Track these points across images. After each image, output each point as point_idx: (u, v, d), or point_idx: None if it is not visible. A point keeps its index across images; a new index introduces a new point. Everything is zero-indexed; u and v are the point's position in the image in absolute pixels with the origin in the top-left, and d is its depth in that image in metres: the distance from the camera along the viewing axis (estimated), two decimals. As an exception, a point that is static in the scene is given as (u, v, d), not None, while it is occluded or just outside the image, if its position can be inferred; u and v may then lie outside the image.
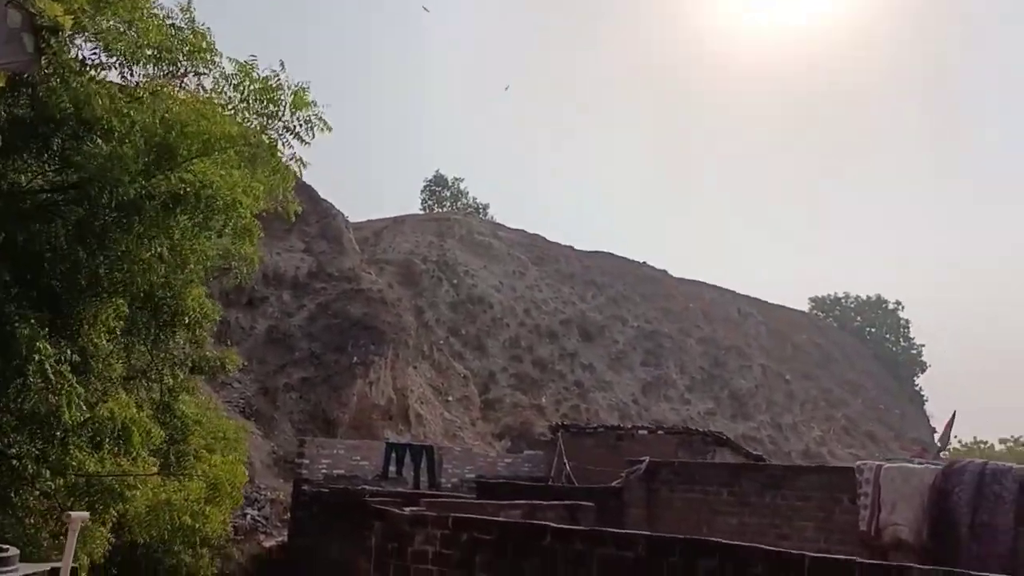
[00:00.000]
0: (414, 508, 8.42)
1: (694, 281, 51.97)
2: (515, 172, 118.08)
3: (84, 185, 7.68)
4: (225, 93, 8.80)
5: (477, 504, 9.18)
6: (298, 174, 9.98)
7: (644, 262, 50.27)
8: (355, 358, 25.12)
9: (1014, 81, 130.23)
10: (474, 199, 56.32)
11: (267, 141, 9.01)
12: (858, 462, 10.86)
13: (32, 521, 8.11)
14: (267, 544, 17.57)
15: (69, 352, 7.86)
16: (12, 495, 7.90)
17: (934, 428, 61.48)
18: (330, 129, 9.10)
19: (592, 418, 32.38)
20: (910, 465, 10.09)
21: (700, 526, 10.88)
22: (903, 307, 69.81)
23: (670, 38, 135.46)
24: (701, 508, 11.19)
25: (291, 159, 9.38)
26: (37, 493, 7.95)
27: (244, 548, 17.45)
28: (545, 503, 9.87)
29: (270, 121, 8.89)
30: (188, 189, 8.10)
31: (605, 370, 38.63)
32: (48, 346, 7.45)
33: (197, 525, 8.55)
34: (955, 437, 33.69)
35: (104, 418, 7.51)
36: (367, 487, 15.23)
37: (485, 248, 42.58)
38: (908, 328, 69.62)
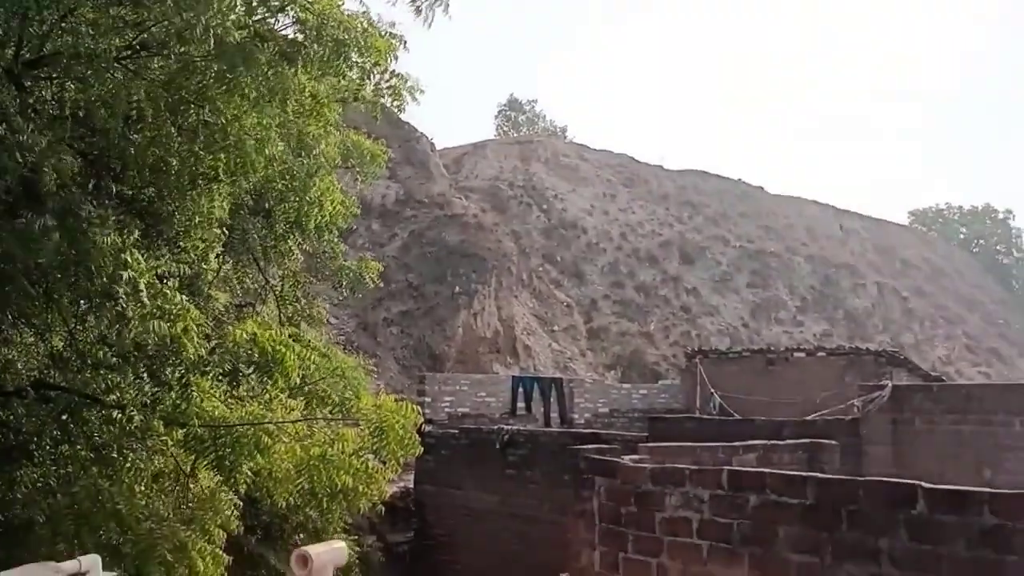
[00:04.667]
0: (634, 457, 6.27)
1: (793, 197, 48.37)
2: (592, 91, 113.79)
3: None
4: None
5: (703, 448, 7.04)
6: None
7: (739, 179, 46.89)
8: (456, 288, 23.16)
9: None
10: (551, 122, 53.44)
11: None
12: None
13: (144, 488, 6.25)
14: (388, 491, 15.90)
15: (173, 265, 5.89)
16: (116, 455, 6.03)
17: (1053, 343, 57.43)
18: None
19: (704, 344, 29.90)
20: None
21: (980, 469, 8.56)
22: (1014, 216, 64.89)
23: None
24: (980, 444, 8.84)
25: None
26: (149, 450, 6.09)
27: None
28: (780, 443, 7.71)
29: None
30: (309, 30, 5.87)
31: (710, 293, 35.98)
32: (141, 258, 5.45)
33: (360, 487, 6.59)
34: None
35: (242, 343, 5.50)
36: (503, 427, 13.26)
37: (572, 171, 39.91)
38: (1021, 238, 64.82)
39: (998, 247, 63.63)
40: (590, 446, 6.21)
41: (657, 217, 39.35)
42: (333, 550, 4.81)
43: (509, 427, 13.37)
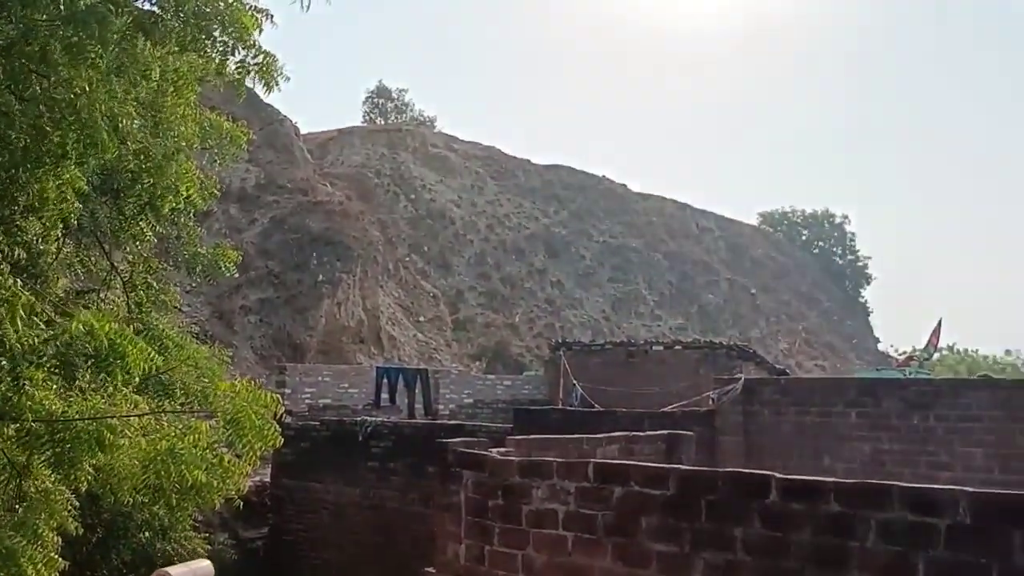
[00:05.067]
0: (502, 450, 6.27)
1: (654, 195, 50.13)
2: (462, 83, 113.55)
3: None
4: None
5: (568, 440, 7.13)
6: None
7: (604, 176, 48.11)
8: (320, 276, 22.53)
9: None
10: (421, 111, 52.92)
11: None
12: None
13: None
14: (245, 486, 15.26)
15: (6, 248, 5.35)
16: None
17: (878, 338, 62.47)
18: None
19: (567, 336, 30.57)
20: None
21: (819, 455, 9.11)
22: (849, 221, 69.87)
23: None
24: (820, 434, 9.40)
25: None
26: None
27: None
28: (641, 434, 7.92)
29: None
30: (167, 1, 5.47)
31: (574, 287, 36.82)
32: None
33: (215, 482, 6.21)
34: (942, 346, 33.15)
35: (78, 335, 5.03)
36: (367, 419, 13.01)
37: (441, 161, 39.70)
38: (854, 241, 69.88)
39: (835, 249, 68.21)
40: (456, 439, 6.14)
41: (524, 210, 39.80)
42: (196, 571, 4.51)
43: (373, 419, 13.14)
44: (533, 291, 34.34)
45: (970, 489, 3.85)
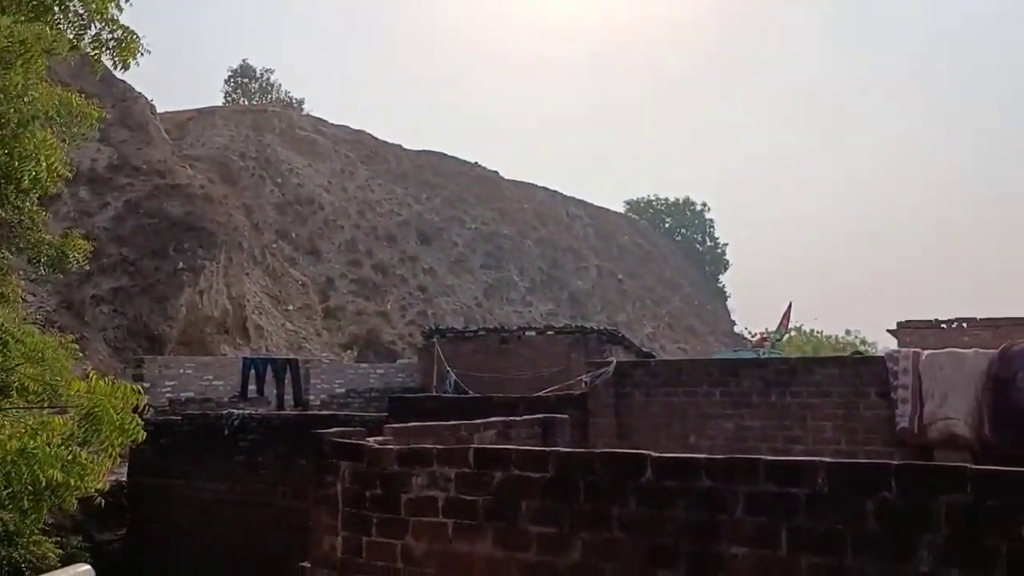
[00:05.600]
0: (380, 439, 6.16)
1: (525, 183, 50.74)
2: (330, 66, 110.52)
3: None
4: None
5: (445, 427, 7.08)
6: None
7: (476, 163, 48.23)
8: (180, 264, 21.44)
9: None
10: (287, 92, 51.24)
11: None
12: (889, 350, 9.83)
13: None
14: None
15: None
16: None
17: (734, 322, 65.85)
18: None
19: (440, 323, 30.52)
20: (960, 351, 9.08)
21: (686, 434, 9.44)
22: (709, 208, 73.11)
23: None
24: (687, 413, 9.73)
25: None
26: None
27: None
28: (517, 419, 7.98)
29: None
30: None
31: (446, 274, 36.76)
32: None
33: (72, 481, 5.74)
34: (792, 327, 35.24)
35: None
36: (233, 411, 12.50)
37: (309, 144, 38.63)
38: (714, 228, 73.18)
39: (696, 236, 71.23)
40: (331, 429, 5.97)
41: (396, 196, 39.35)
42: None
43: (239, 411, 12.64)
44: (405, 278, 34.04)
45: (828, 460, 4.08)
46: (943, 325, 20.60)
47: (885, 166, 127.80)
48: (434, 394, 15.35)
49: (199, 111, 37.58)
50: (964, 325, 20.30)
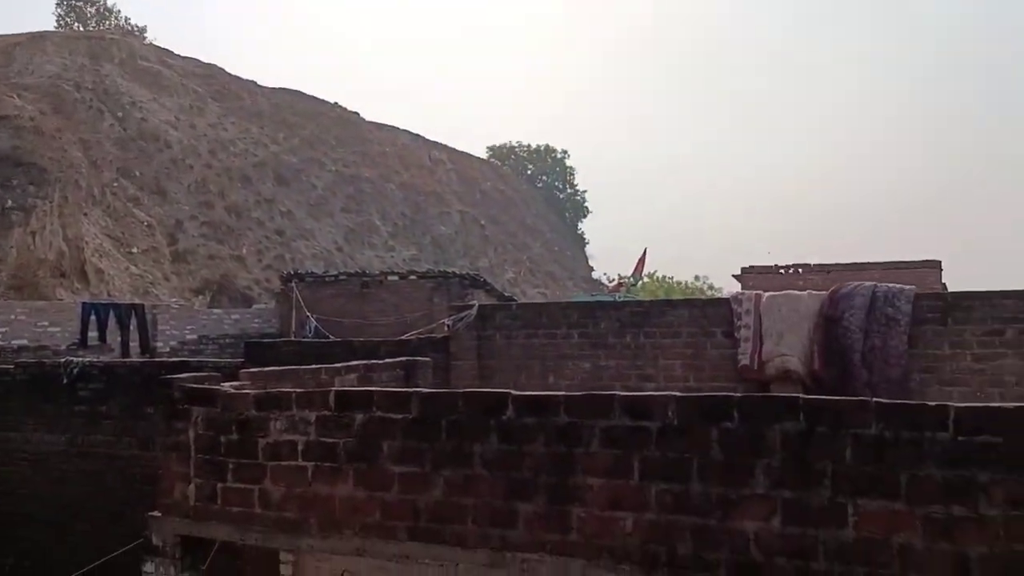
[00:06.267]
0: (236, 384, 5.96)
1: (388, 125, 49.69)
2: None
3: None
4: None
5: (305, 371, 6.91)
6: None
7: (336, 103, 46.71)
8: (9, 202, 19.71)
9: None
10: (127, 19, 47.56)
11: None
12: (735, 292, 10.27)
13: None
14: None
15: None
16: None
17: (592, 267, 67.82)
18: None
19: (299, 267, 29.69)
20: (796, 293, 9.63)
21: (546, 374, 9.65)
22: (568, 156, 74.28)
23: None
24: (547, 354, 9.92)
25: None
26: None
27: None
28: (379, 362, 7.89)
29: None
30: None
31: (305, 217, 35.67)
32: None
33: None
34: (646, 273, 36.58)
35: None
36: (72, 359, 11.74)
37: (153, 77, 36.14)
38: (574, 175, 74.53)
39: (556, 183, 72.34)
40: (183, 375, 5.72)
41: (251, 135, 37.58)
42: None
43: (79, 359, 11.88)
44: (261, 221, 32.79)
45: (677, 394, 4.29)
46: (782, 270, 22.06)
47: (744, 117, 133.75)
48: (293, 339, 14.99)
49: (29, 36, 34.26)
50: (800, 271, 21.81)
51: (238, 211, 32.01)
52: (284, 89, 43.58)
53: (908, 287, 8.87)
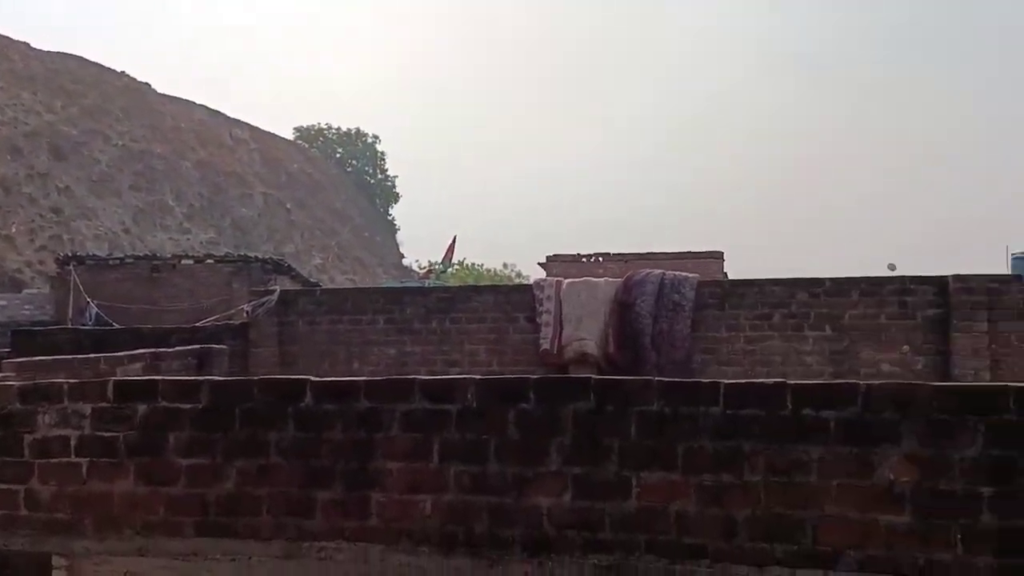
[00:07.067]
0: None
1: (182, 99, 46.61)
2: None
3: None
4: None
5: (81, 360, 6.35)
6: None
7: (123, 72, 43.16)
8: None
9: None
10: None
11: None
12: (536, 279, 10.44)
13: None
14: None
15: None
16: None
17: (403, 254, 67.58)
18: None
19: (78, 249, 27.25)
20: (594, 280, 9.96)
21: (350, 361, 9.43)
22: (380, 140, 73.40)
23: None
24: (352, 340, 9.68)
25: None
26: None
27: None
28: (168, 350, 7.37)
29: None
30: None
31: (87, 195, 32.77)
32: None
33: None
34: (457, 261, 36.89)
35: None
36: None
37: (-100, 30, 31.71)
38: (384, 160, 73.73)
39: (367, 168, 71.26)
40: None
41: (22, 102, 33.90)
42: None
43: None
44: (35, 198, 29.75)
45: (477, 377, 4.38)
46: (584, 259, 23.09)
47: (554, 103, 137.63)
48: (71, 327, 13.75)
49: None
50: (600, 259, 22.94)
51: (6, 185, 28.85)
52: (64, 54, 39.69)
53: (692, 275, 9.60)
